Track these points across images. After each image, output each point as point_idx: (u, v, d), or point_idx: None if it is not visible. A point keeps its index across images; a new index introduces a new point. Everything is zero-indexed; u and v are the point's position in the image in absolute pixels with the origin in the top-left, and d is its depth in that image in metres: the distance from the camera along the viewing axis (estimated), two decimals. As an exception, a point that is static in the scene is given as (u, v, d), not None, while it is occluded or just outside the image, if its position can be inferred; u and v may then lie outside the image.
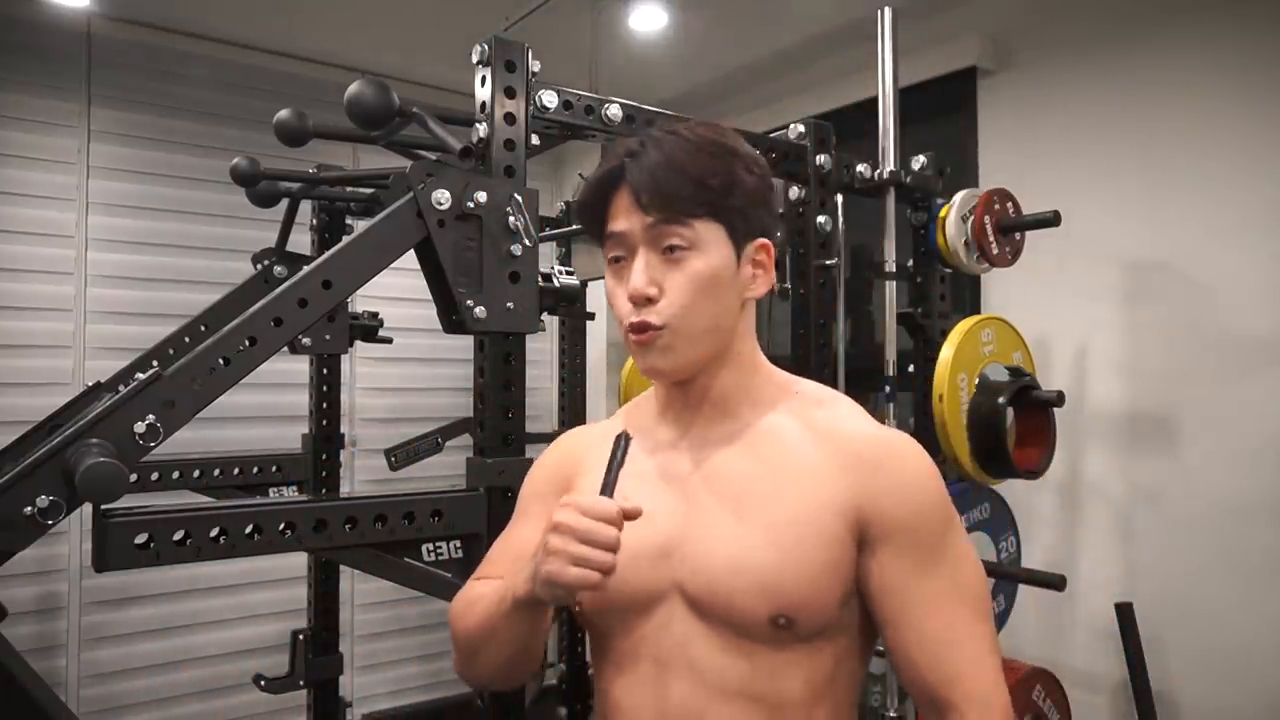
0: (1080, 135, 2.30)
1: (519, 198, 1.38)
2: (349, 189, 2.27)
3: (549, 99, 1.46)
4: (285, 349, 1.28)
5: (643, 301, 0.91)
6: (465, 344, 1.49)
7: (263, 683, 2.37)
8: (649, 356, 0.93)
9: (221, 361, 1.18)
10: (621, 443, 0.85)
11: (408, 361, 3.23)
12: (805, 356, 1.88)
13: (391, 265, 1.34)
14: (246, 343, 1.20)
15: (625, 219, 0.92)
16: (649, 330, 0.91)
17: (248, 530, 1.22)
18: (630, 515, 0.82)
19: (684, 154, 0.91)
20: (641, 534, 0.87)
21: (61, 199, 2.71)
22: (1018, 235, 2.05)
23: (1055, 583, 1.85)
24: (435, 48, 2.82)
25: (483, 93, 1.41)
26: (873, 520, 0.89)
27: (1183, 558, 2.07)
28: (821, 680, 0.90)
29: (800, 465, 0.92)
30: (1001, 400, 1.90)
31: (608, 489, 0.83)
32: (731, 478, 0.93)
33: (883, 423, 1.89)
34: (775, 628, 0.87)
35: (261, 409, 2.90)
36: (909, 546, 0.88)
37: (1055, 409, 1.98)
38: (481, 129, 1.40)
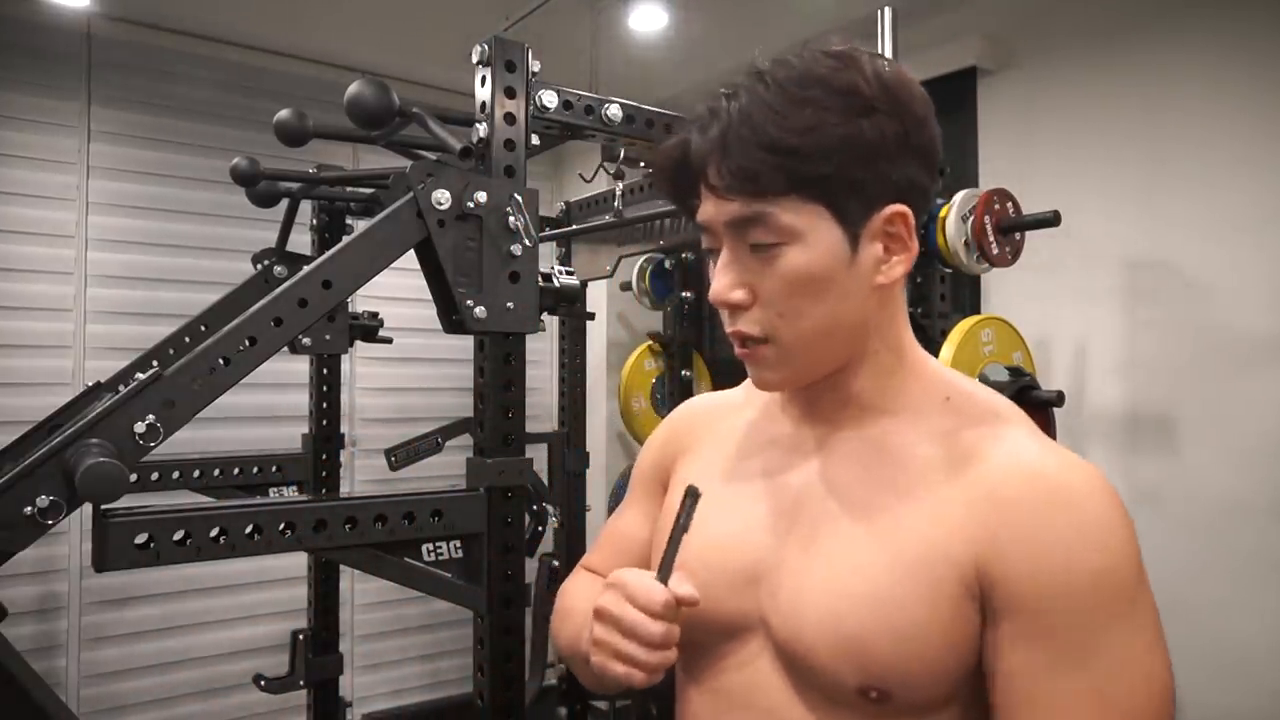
0: (1080, 135, 2.30)
1: (519, 198, 1.38)
2: (349, 189, 2.27)
3: (549, 99, 1.46)
4: (285, 349, 1.28)
5: (730, 308, 0.75)
6: (465, 344, 1.49)
7: (263, 683, 2.36)
8: (758, 371, 0.78)
9: (221, 361, 1.18)
10: (688, 502, 0.71)
11: (408, 361, 3.23)
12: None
13: (391, 265, 1.34)
14: (246, 343, 1.20)
15: (709, 204, 0.74)
16: (749, 344, 0.75)
17: (248, 530, 1.22)
18: (686, 602, 0.69)
19: (762, 107, 0.69)
20: (728, 546, 0.78)
21: (61, 199, 2.71)
22: (1018, 235, 2.05)
23: (1055, 583, 1.84)
24: (435, 48, 2.82)
25: (483, 93, 1.41)
26: (999, 581, 0.67)
27: (1182, 558, 2.07)
28: None
29: (922, 499, 0.71)
30: (1001, 400, 1.89)
31: (665, 569, 0.70)
32: (842, 500, 0.75)
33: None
34: (865, 699, 0.70)
35: (261, 409, 2.90)
36: (1042, 629, 0.65)
37: (1055, 409, 1.98)
38: (481, 129, 1.41)
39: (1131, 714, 0.64)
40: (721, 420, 0.92)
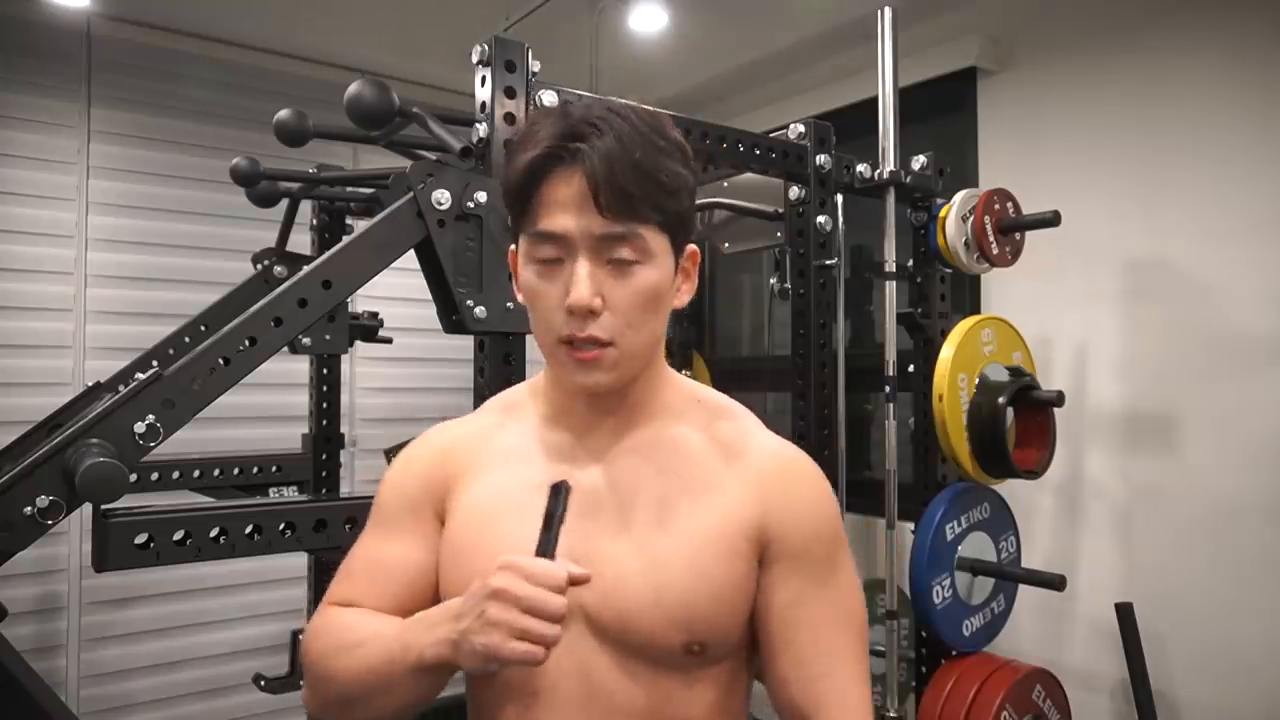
0: (1080, 135, 2.30)
1: (519, 198, 1.38)
2: (349, 189, 2.28)
3: (549, 99, 1.46)
4: (285, 349, 1.28)
5: (585, 314, 0.80)
6: (465, 344, 1.49)
7: (263, 683, 2.37)
8: (592, 374, 0.83)
9: (221, 361, 1.18)
10: (562, 493, 0.76)
11: (408, 361, 3.22)
12: (805, 356, 1.88)
13: (391, 265, 1.34)
14: (246, 343, 1.20)
15: (570, 217, 0.79)
16: (597, 348, 0.81)
17: (248, 530, 1.22)
18: (578, 581, 0.74)
19: (640, 146, 0.80)
20: (533, 550, 0.81)
21: (61, 199, 2.71)
22: (1018, 235, 2.05)
23: (1055, 583, 1.85)
24: (435, 48, 2.82)
25: (483, 93, 1.41)
26: (773, 539, 0.86)
27: (1182, 558, 2.07)
28: (722, 697, 0.88)
29: (708, 481, 0.87)
30: (1001, 400, 1.90)
31: (549, 548, 0.74)
32: (638, 493, 0.87)
33: (883, 423, 1.90)
34: (688, 654, 0.83)
35: (261, 409, 2.89)
36: (802, 567, 0.86)
37: (1055, 409, 1.98)
38: (481, 129, 1.41)
39: (856, 620, 0.89)
40: (487, 442, 0.94)
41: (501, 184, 0.88)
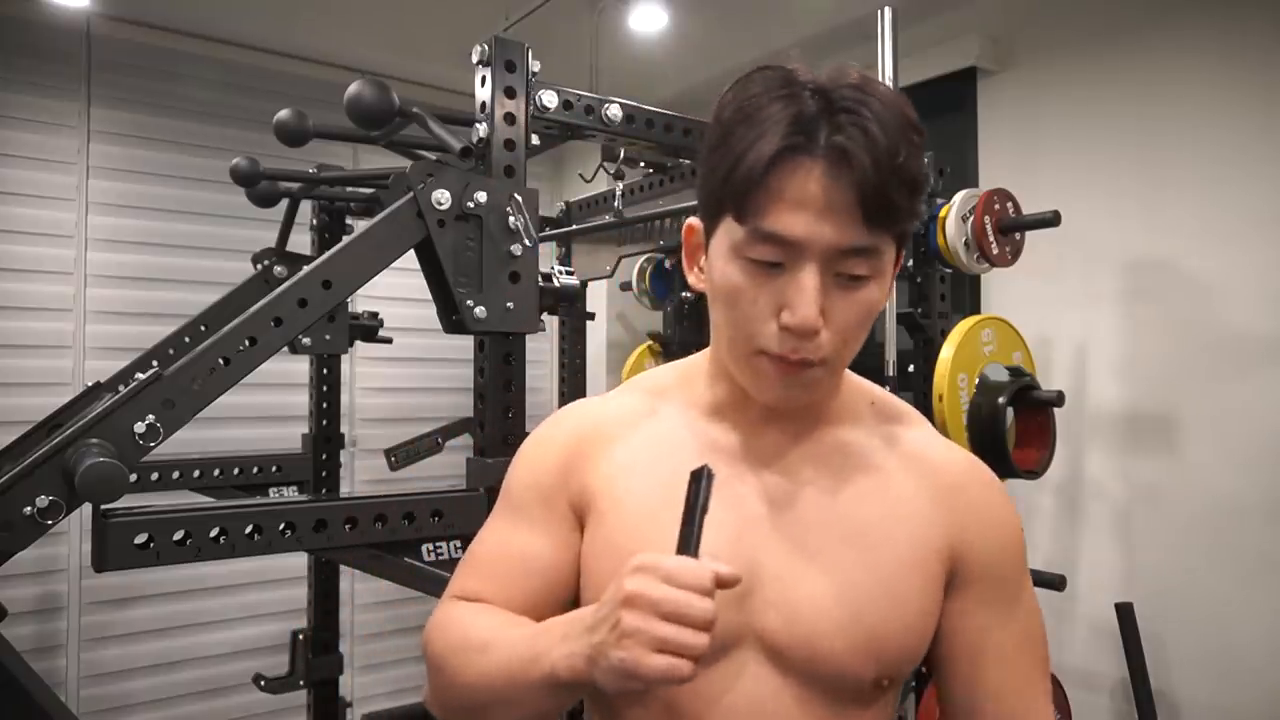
0: (1080, 135, 2.30)
1: (519, 198, 1.38)
2: (349, 189, 2.27)
3: (549, 99, 1.46)
4: (285, 349, 1.28)
5: (806, 335, 0.70)
6: (465, 344, 1.49)
7: (263, 683, 2.37)
8: (792, 390, 0.74)
9: (221, 361, 1.18)
10: (705, 479, 0.65)
11: (408, 361, 3.23)
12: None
13: (391, 265, 1.34)
14: (246, 343, 1.20)
15: (809, 222, 0.67)
16: (807, 366, 0.72)
17: (248, 530, 1.22)
18: (726, 583, 0.64)
19: (902, 143, 0.68)
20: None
21: (61, 199, 2.71)
22: (1018, 235, 2.05)
23: (1055, 583, 1.85)
24: (435, 48, 2.82)
25: (483, 93, 1.41)
26: (964, 559, 0.79)
27: (1182, 558, 2.07)
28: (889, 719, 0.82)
29: (896, 494, 0.79)
30: (1001, 400, 1.89)
31: (691, 545, 0.64)
32: (822, 506, 0.78)
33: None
34: (876, 688, 0.76)
35: (261, 409, 2.90)
36: (993, 591, 0.80)
37: (1055, 409, 1.98)
38: (481, 129, 1.41)
39: (1039, 641, 0.82)
40: (635, 427, 0.84)
41: (711, 157, 0.73)
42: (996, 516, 0.81)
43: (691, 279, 0.80)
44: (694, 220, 0.79)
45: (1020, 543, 0.82)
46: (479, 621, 0.79)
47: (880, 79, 1.89)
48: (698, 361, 0.87)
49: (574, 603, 0.82)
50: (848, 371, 0.84)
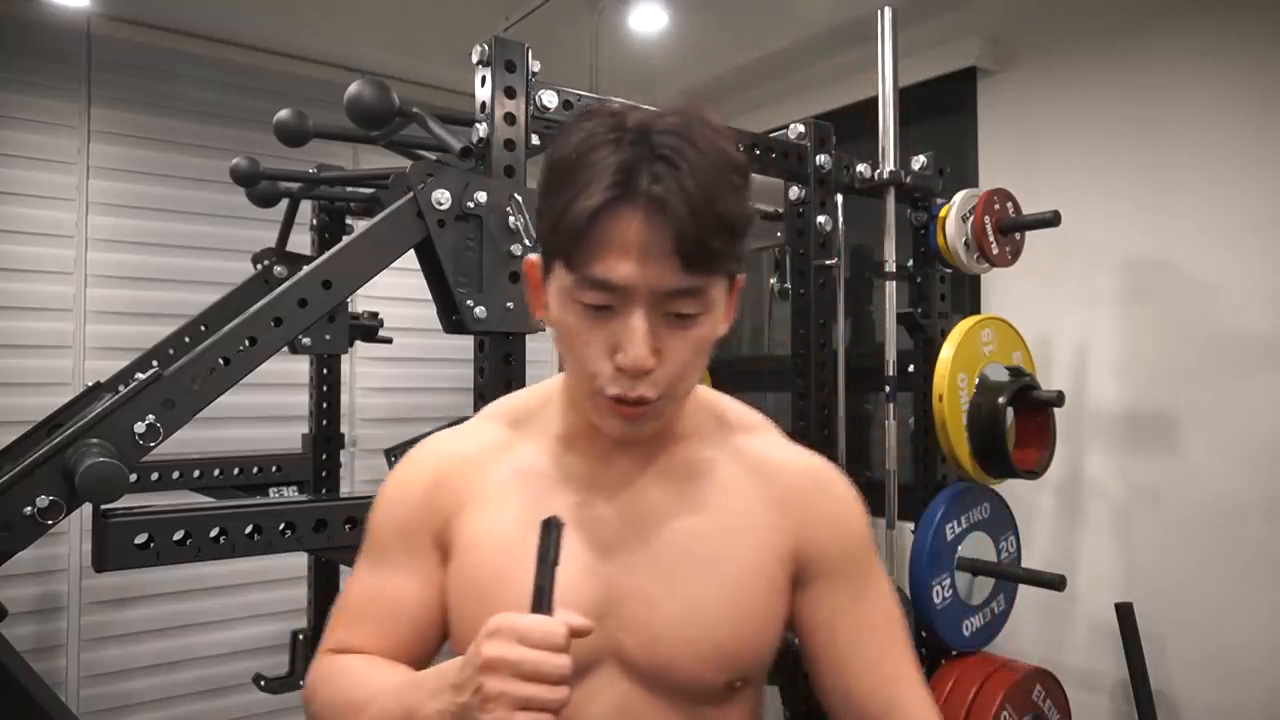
0: (1080, 135, 2.30)
1: (519, 198, 1.38)
2: (349, 189, 2.28)
3: (549, 99, 1.46)
4: (285, 349, 1.28)
5: (639, 375, 0.73)
6: (465, 344, 1.49)
7: (263, 683, 2.37)
8: (633, 427, 0.77)
9: (221, 361, 1.18)
10: (555, 530, 0.67)
11: (408, 361, 3.22)
12: (805, 356, 1.88)
13: (391, 265, 1.34)
14: (246, 343, 1.20)
15: (633, 268, 0.70)
16: (644, 405, 0.75)
17: (248, 530, 1.22)
18: (580, 633, 0.67)
19: (720, 188, 0.71)
20: (581, 594, 0.76)
21: (61, 199, 2.71)
22: (1018, 235, 2.05)
23: (1055, 583, 1.85)
24: (435, 48, 2.82)
25: (483, 93, 1.41)
26: (811, 558, 0.85)
27: (1182, 558, 2.07)
28: (750, 712, 0.87)
29: (741, 509, 0.83)
30: (1001, 400, 1.90)
31: (545, 601, 0.66)
32: (669, 527, 0.82)
33: (883, 423, 1.90)
34: (729, 690, 0.82)
35: (261, 409, 2.89)
36: (843, 580, 0.85)
37: (1055, 409, 1.98)
38: (481, 129, 1.41)
39: (899, 619, 0.89)
40: (495, 462, 0.86)
41: (541, 204, 0.76)
42: (836, 511, 0.87)
43: (539, 315, 0.81)
44: (533, 257, 0.81)
45: (863, 530, 0.88)
46: (354, 679, 0.81)
47: (880, 79, 1.90)
48: (552, 387, 0.89)
49: (446, 638, 0.85)
50: (699, 389, 0.87)
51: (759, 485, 0.85)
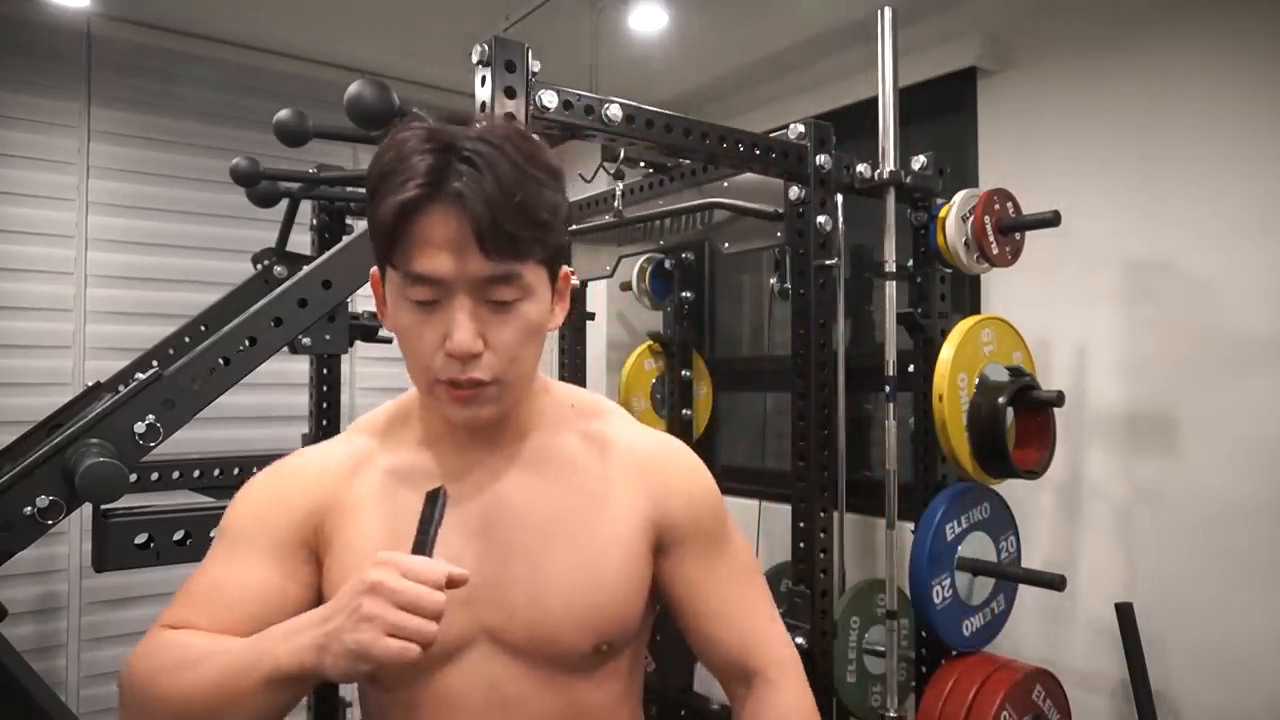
0: (1080, 135, 2.30)
1: (519, 198, 1.38)
2: (349, 189, 2.27)
3: (549, 99, 1.46)
4: (285, 349, 1.28)
5: (472, 358, 0.79)
6: (465, 344, 1.49)
7: (263, 683, 2.36)
8: (472, 409, 0.83)
9: (221, 361, 1.18)
10: (440, 498, 0.75)
11: (408, 361, 3.23)
12: (805, 356, 1.88)
13: (391, 265, 1.34)
14: (246, 343, 1.20)
15: (448, 259, 0.77)
16: (477, 387, 0.81)
17: (248, 530, 1.22)
18: (456, 582, 0.71)
19: (519, 182, 0.77)
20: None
21: (61, 199, 2.71)
22: (1018, 235, 2.05)
23: (1055, 583, 1.85)
24: (435, 48, 2.82)
25: (483, 93, 1.41)
26: (667, 526, 0.92)
27: (1182, 558, 2.07)
28: (625, 685, 0.93)
29: (595, 486, 0.90)
30: (1001, 400, 1.90)
31: (427, 548, 0.73)
32: (528, 509, 0.88)
33: (883, 423, 1.90)
34: (597, 654, 0.88)
35: (261, 409, 2.90)
36: (699, 543, 0.94)
37: (1055, 409, 1.98)
38: (481, 129, 1.40)
39: (753, 571, 1.00)
40: (362, 469, 0.91)
41: (369, 212, 0.82)
42: (686, 481, 0.95)
43: (386, 323, 0.87)
44: (375, 269, 0.87)
45: (714, 497, 0.97)
46: (191, 642, 0.80)
47: (880, 79, 1.90)
48: (409, 399, 0.97)
49: None
50: (550, 380, 0.98)
51: (611, 464, 0.92)
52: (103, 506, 1.10)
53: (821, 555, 1.83)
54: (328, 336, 1.31)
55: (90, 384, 1.89)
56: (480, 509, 0.88)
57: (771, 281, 2.34)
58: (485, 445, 0.91)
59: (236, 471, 2.25)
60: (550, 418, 0.94)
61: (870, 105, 1.95)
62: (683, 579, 0.94)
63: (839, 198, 1.97)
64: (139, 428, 1.10)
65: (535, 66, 1.43)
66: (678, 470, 0.96)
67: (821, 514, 1.84)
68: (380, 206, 0.78)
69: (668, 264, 2.83)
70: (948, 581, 1.91)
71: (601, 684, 0.90)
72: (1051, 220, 1.95)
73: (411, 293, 0.79)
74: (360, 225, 2.07)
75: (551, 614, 0.85)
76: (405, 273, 0.79)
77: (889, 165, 1.90)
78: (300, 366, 2.57)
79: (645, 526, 0.91)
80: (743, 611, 0.96)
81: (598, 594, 0.87)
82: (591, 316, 2.90)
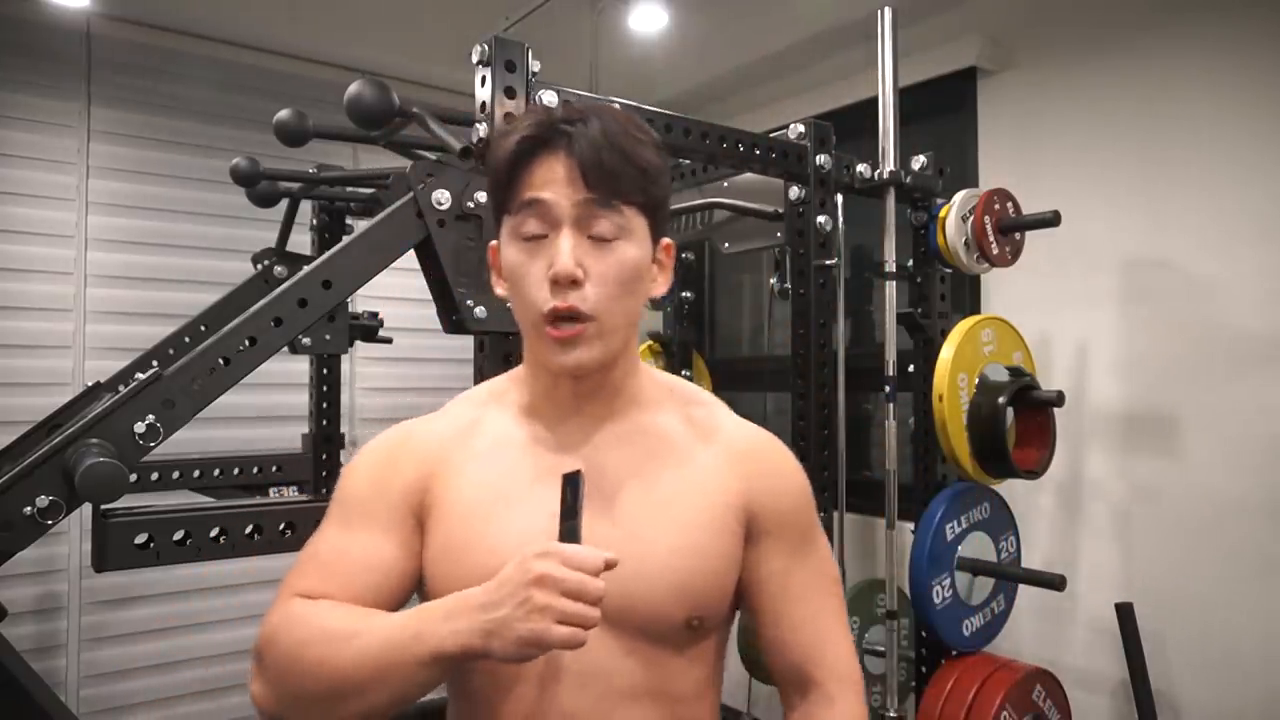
0: (1080, 135, 2.30)
1: (519, 198, 1.38)
2: (349, 189, 2.27)
3: (549, 99, 1.46)
4: (285, 349, 1.28)
5: (568, 284, 0.83)
6: (465, 344, 1.49)
7: (263, 683, 2.36)
8: (574, 351, 0.85)
9: (221, 361, 1.18)
10: (579, 481, 0.78)
11: (408, 361, 3.23)
12: (805, 356, 1.88)
13: (391, 265, 1.34)
14: (246, 343, 1.20)
15: (556, 189, 0.83)
16: (579, 322, 0.84)
17: (248, 530, 1.22)
18: (611, 565, 0.75)
19: (624, 134, 0.85)
20: (532, 541, 0.79)
21: (61, 199, 2.71)
22: (1018, 235, 2.05)
23: (1055, 583, 1.85)
24: (435, 48, 2.82)
25: (483, 93, 1.41)
26: (758, 515, 0.93)
27: (1182, 557, 2.07)
28: (711, 670, 0.93)
29: (695, 464, 0.92)
30: (1001, 400, 1.90)
31: (577, 534, 0.76)
32: (626, 478, 0.90)
33: (883, 423, 1.90)
34: (689, 629, 0.88)
35: (261, 409, 2.89)
36: (786, 539, 0.94)
37: (1055, 409, 1.98)
38: (481, 129, 1.41)
39: (835, 582, 0.99)
40: (467, 438, 0.94)
41: (488, 176, 0.91)
42: (782, 477, 0.96)
43: (498, 289, 0.94)
44: (494, 241, 0.93)
45: (807, 497, 0.98)
46: (335, 614, 0.83)
47: (880, 79, 1.90)
48: (516, 372, 1.00)
49: (414, 602, 0.87)
50: (648, 367, 1.00)
51: (710, 447, 0.94)
52: (103, 506, 1.10)
53: (821, 555, 1.83)
54: (328, 336, 1.31)
55: (90, 384, 1.89)
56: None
57: (771, 281, 2.34)
58: (585, 415, 0.93)
59: (236, 471, 2.25)
60: (650, 397, 0.96)
61: (870, 105, 1.95)
62: (764, 573, 0.94)
63: (839, 198, 1.97)
64: (139, 428, 1.10)
65: (535, 66, 1.43)
66: (775, 463, 0.96)
67: (821, 514, 1.84)
68: (499, 156, 0.87)
69: (668, 264, 2.83)
70: (948, 581, 1.91)
71: (691, 663, 0.90)
72: (1051, 220, 1.95)
73: (521, 228, 0.85)
74: (360, 225, 2.07)
75: (647, 580, 0.85)
76: (518, 205, 0.85)
77: (889, 165, 1.90)
78: (300, 366, 2.57)
79: (739, 510, 0.92)
80: (815, 618, 0.95)
81: (692, 562, 0.87)
82: (591, 316, 2.89)
